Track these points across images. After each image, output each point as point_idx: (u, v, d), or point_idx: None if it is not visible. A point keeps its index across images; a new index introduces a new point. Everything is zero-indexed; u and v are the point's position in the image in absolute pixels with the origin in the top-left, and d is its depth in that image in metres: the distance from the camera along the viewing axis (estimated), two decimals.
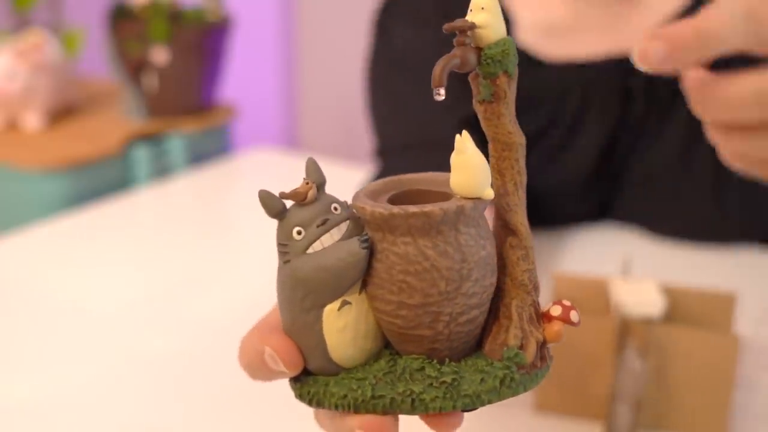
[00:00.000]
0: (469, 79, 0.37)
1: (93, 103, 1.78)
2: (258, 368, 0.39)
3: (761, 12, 0.38)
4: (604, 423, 0.60)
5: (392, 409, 0.35)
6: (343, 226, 0.36)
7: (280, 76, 2.14)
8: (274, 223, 0.37)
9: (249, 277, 0.88)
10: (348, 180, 1.01)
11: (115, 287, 0.85)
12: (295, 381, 0.38)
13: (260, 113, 2.18)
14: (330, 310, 0.36)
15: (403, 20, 0.82)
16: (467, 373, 0.36)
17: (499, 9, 0.36)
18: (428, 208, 0.34)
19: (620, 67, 0.76)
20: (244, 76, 2.12)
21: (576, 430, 0.61)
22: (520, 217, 0.37)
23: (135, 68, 1.63)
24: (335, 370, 0.37)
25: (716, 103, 0.40)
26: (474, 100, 0.37)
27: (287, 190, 0.36)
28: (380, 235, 0.35)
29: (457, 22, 0.36)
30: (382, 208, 0.35)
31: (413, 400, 0.35)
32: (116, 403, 0.66)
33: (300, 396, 0.38)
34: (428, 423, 0.36)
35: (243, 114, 2.04)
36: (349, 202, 0.37)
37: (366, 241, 0.35)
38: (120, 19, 1.60)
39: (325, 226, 0.35)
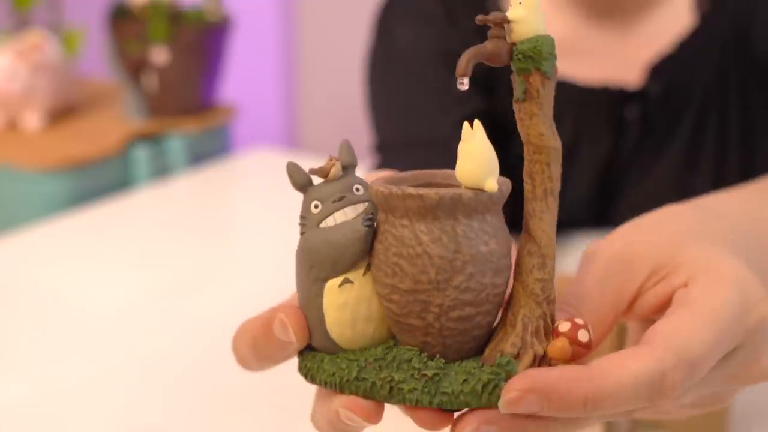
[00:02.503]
0: (512, 77, 0.37)
1: (93, 103, 1.78)
2: (263, 344, 0.38)
3: (671, 381, 0.33)
4: (604, 423, 0.59)
5: (371, 393, 0.35)
6: (360, 207, 0.36)
7: (280, 76, 2.14)
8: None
9: (249, 276, 0.88)
10: None
11: (114, 287, 0.85)
12: (301, 354, 0.38)
13: (260, 113, 2.18)
14: (332, 285, 0.36)
15: (404, 19, 0.82)
16: (453, 371, 0.35)
17: (539, 5, 0.35)
18: (424, 191, 0.34)
19: (615, 96, 0.75)
20: (244, 76, 2.12)
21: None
22: (544, 225, 0.36)
23: (135, 68, 1.63)
24: (334, 350, 0.37)
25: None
26: (513, 99, 0.37)
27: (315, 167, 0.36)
28: (384, 216, 0.36)
29: (490, 15, 0.35)
30: (384, 187, 0.35)
31: (391, 387, 0.35)
32: (116, 402, 0.66)
33: (300, 369, 0.38)
34: (413, 418, 0.35)
35: (243, 114, 2.04)
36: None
37: (369, 220, 0.36)
38: (120, 19, 1.60)
39: (341, 202, 0.36)
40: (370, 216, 0.36)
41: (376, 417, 0.36)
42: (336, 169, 0.36)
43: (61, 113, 1.68)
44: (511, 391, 0.32)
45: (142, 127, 1.64)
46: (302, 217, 0.37)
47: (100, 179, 1.56)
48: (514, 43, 0.35)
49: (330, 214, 0.36)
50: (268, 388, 0.67)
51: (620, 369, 0.33)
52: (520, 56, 0.35)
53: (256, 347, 0.38)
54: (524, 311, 0.36)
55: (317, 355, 0.38)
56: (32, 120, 1.61)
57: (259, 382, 0.68)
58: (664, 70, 0.74)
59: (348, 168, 0.37)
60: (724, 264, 0.38)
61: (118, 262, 0.91)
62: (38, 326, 0.77)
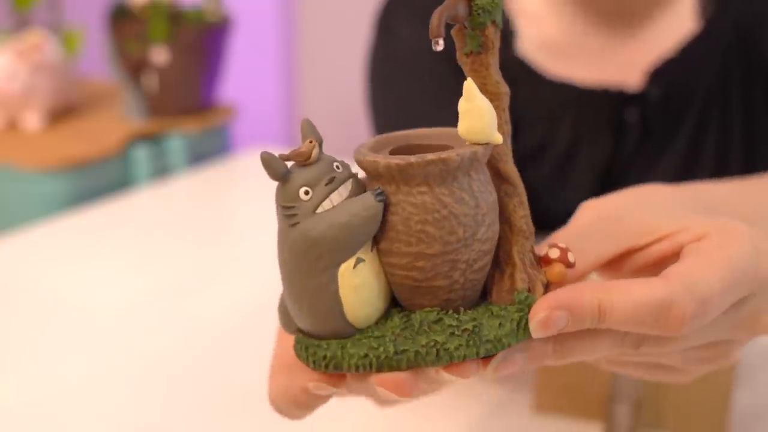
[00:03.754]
0: (453, 33, 0.38)
1: (93, 103, 1.78)
2: (305, 403, 0.39)
3: (678, 312, 0.36)
4: (604, 423, 0.60)
5: (417, 363, 0.35)
6: (348, 184, 0.35)
7: (280, 76, 2.14)
8: (275, 223, 0.36)
9: (249, 276, 0.88)
10: None
11: (114, 287, 0.85)
12: (306, 349, 0.38)
13: (260, 113, 2.18)
14: (345, 268, 0.35)
15: (405, 18, 0.83)
16: (485, 319, 0.36)
17: None
18: (445, 154, 0.34)
19: (615, 98, 0.75)
20: (244, 76, 2.12)
21: (576, 430, 0.61)
22: (510, 165, 0.38)
23: (135, 68, 1.63)
24: (349, 332, 0.36)
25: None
26: (459, 54, 0.38)
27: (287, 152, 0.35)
28: (394, 188, 0.35)
29: None
30: (398, 158, 0.35)
31: (438, 351, 0.35)
32: (116, 402, 0.66)
33: (315, 363, 0.37)
34: (456, 373, 0.36)
35: (243, 114, 2.04)
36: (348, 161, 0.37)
37: (381, 194, 0.35)
38: (120, 19, 1.60)
39: (333, 183, 0.35)
40: (381, 191, 0.35)
41: (411, 389, 0.36)
42: (316, 151, 0.35)
43: (61, 113, 1.69)
44: (539, 312, 0.35)
45: (142, 127, 1.65)
46: (288, 207, 0.35)
47: (100, 179, 1.57)
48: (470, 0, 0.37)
49: (326, 197, 0.35)
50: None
51: (634, 289, 0.35)
52: (479, 11, 0.36)
53: (307, 406, 0.39)
54: (516, 248, 0.37)
55: (331, 343, 0.37)
56: (32, 120, 1.61)
57: (260, 382, 0.68)
58: (665, 73, 0.74)
59: (319, 145, 0.36)
60: (737, 224, 0.39)
61: (118, 262, 0.91)
62: (38, 326, 0.77)
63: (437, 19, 0.35)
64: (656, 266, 0.41)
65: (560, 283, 0.38)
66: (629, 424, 0.59)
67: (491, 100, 0.38)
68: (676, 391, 0.59)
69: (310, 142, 0.35)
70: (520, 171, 0.84)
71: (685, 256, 0.38)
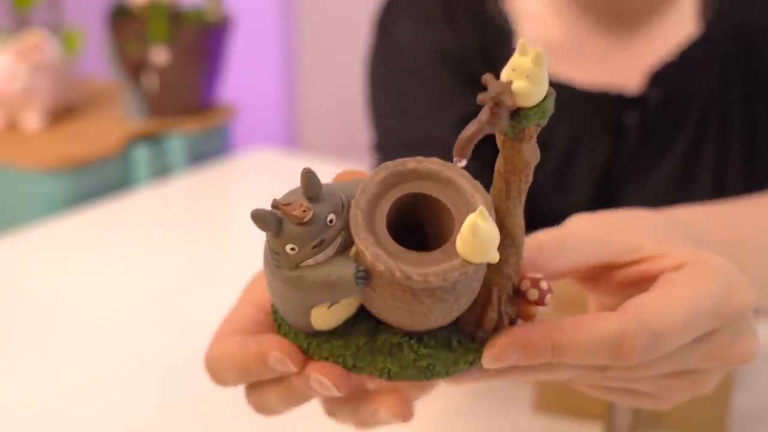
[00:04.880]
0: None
1: (93, 103, 1.78)
2: (257, 372, 0.39)
3: (630, 345, 0.36)
4: (604, 423, 0.59)
5: (368, 374, 0.38)
6: (337, 241, 0.35)
7: (280, 76, 2.14)
8: None
9: (249, 276, 0.88)
10: None
11: (114, 287, 0.85)
12: (280, 325, 0.39)
13: (260, 113, 2.18)
14: (319, 309, 0.36)
15: (404, 18, 0.82)
16: (443, 354, 0.37)
17: (545, 72, 0.33)
18: (432, 278, 0.33)
19: (614, 101, 0.75)
20: (244, 76, 2.12)
21: (576, 430, 0.61)
22: (518, 220, 0.37)
23: (135, 68, 1.63)
24: (312, 332, 0.38)
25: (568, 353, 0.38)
26: (497, 131, 0.35)
27: (282, 201, 0.34)
28: (381, 270, 0.34)
29: (491, 93, 0.33)
30: (383, 264, 0.33)
31: (390, 377, 0.37)
32: (116, 402, 0.66)
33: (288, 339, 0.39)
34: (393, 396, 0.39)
35: (243, 114, 2.04)
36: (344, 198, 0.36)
37: (362, 278, 0.34)
38: (120, 19, 1.60)
39: (321, 246, 0.34)
40: (363, 274, 0.34)
41: (346, 386, 0.37)
42: (309, 216, 0.34)
43: (61, 113, 1.69)
44: (492, 347, 0.37)
45: (142, 127, 1.64)
46: (274, 252, 0.35)
47: (100, 179, 1.56)
48: (516, 108, 0.34)
49: (310, 258, 0.34)
50: None
51: (586, 325, 0.37)
52: (524, 119, 0.34)
53: (246, 373, 0.39)
54: (497, 288, 0.37)
55: (299, 334, 0.38)
56: (32, 120, 1.61)
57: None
58: (664, 76, 0.74)
59: (315, 198, 0.34)
60: (715, 258, 0.40)
61: (118, 262, 0.91)
62: (38, 326, 0.77)
63: (465, 142, 0.33)
64: (634, 286, 0.42)
65: (532, 319, 0.39)
66: (629, 424, 0.59)
67: (514, 168, 0.35)
68: None
69: (304, 211, 0.34)
70: None
71: (657, 285, 0.39)
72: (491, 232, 0.33)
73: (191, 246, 0.96)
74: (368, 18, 2.05)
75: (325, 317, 0.37)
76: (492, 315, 0.37)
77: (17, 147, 1.54)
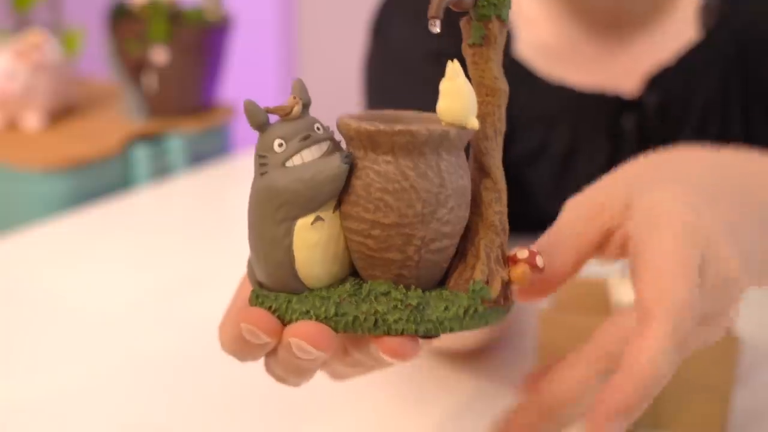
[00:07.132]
0: (461, 24, 0.38)
1: (93, 103, 1.78)
2: (242, 349, 0.39)
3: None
4: None
5: (353, 328, 0.36)
6: (324, 146, 0.36)
7: (280, 76, 2.14)
8: None
9: None
10: None
11: (114, 287, 0.85)
12: (257, 298, 0.38)
13: None
14: (302, 224, 0.36)
15: (399, 19, 0.83)
16: (432, 300, 0.36)
17: None
18: (414, 127, 0.35)
19: (612, 104, 0.75)
20: (244, 76, 2.12)
21: (576, 430, 0.61)
22: (495, 161, 0.38)
23: (135, 68, 1.63)
24: (300, 289, 0.37)
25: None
26: (463, 45, 0.38)
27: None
28: (362, 153, 0.36)
29: None
30: (369, 124, 0.35)
31: (376, 320, 0.36)
32: (116, 403, 0.66)
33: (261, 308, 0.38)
34: (384, 350, 0.36)
35: (243, 114, 2.04)
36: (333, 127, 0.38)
37: (348, 157, 0.36)
38: (120, 19, 1.60)
39: (307, 141, 0.36)
40: (348, 154, 0.36)
41: (330, 346, 0.35)
42: (298, 108, 0.36)
43: (61, 113, 1.69)
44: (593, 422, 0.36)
45: (142, 127, 1.65)
46: (261, 156, 0.36)
47: (100, 179, 1.57)
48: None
49: (297, 153, 0.36)
50: (269, 387, 0.67)
51: (641, 354, 0.36)
52: (485, 3, 0.37)
53: (240, 353, 0.39)
54: (485, 242, 0.37)
55: (280, 296, 0.37)
56: (32, 120, 1.61)
57: (260, 381, 0.68)
58: (662, 81, 0.74)
59: (305, 107, 0.37)
60: (667, 213, 0.39)
61: (118, 262, 0.91)
62: (38, 326, 0.77)
63: (437, 3, 0.35)
64: (622, 252, 0.42)
65: (524, 283, 0.38)
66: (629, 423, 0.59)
67: (486, 95, 0.38)
68: (676, 391, 0.59)
69: (294, 98, 0.36)
70: (517, 173, 0.84)
71: (637, 269, 0.39)
72: (465, 83, 0.35)
73: (191, 246, 0.96)
74: (367, 18, 2.05)
75: (307, 241, 0.36)
76: (483, 267, 0.37)
77: (17, 147, 1.54)
